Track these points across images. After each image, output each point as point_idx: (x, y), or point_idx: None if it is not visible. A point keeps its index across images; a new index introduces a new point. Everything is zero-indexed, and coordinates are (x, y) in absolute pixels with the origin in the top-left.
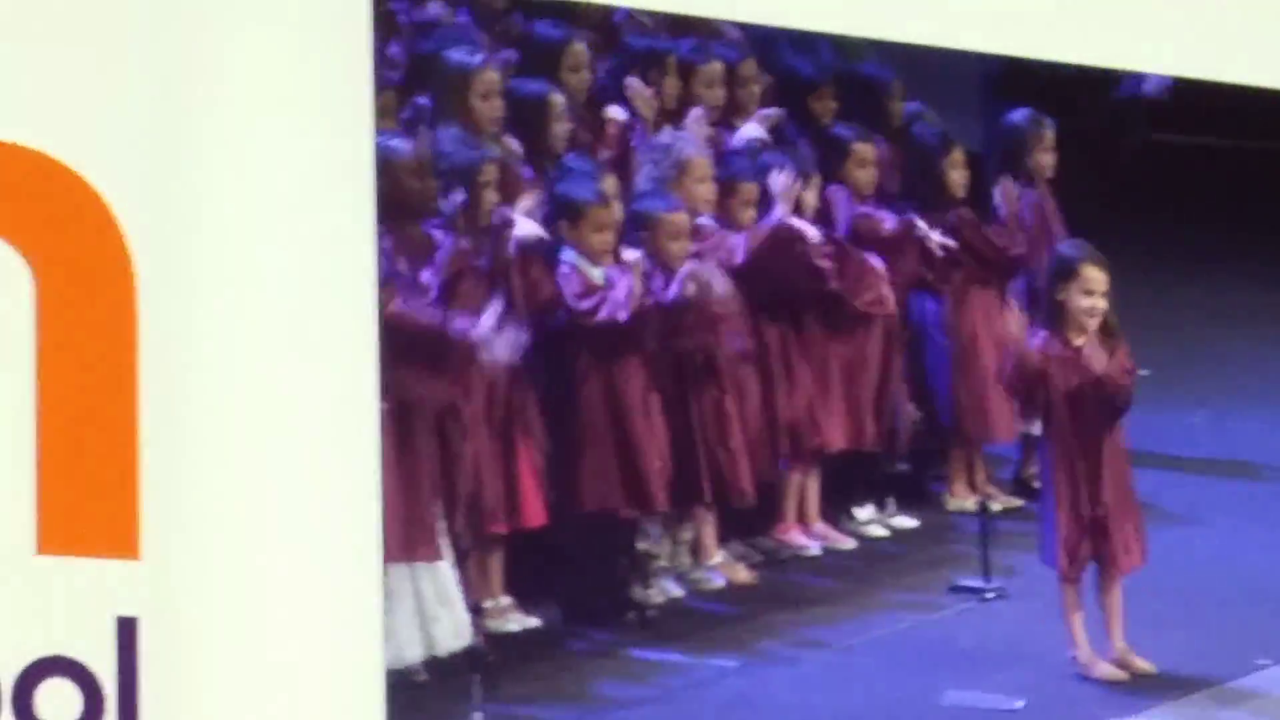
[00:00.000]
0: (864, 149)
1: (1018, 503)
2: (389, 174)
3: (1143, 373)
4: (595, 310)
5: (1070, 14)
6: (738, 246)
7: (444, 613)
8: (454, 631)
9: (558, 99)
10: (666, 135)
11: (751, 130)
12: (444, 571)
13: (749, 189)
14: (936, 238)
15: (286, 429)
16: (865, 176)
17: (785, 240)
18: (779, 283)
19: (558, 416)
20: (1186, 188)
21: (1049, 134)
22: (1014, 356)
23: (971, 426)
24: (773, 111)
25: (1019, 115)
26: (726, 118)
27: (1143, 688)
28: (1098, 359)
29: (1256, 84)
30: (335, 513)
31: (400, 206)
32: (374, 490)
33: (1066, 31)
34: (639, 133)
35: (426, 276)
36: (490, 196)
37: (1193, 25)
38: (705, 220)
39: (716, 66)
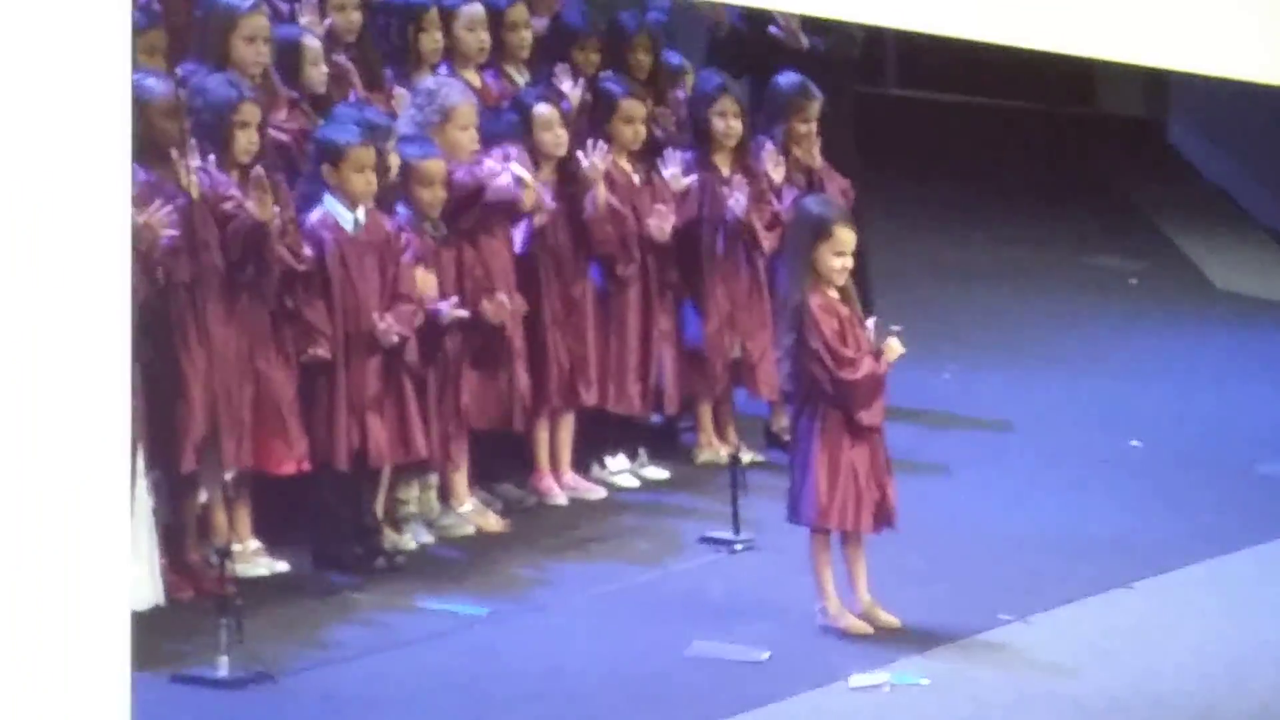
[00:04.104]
0: (631, 105)
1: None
2: (143, 114)
3: (894, 329)
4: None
5: None
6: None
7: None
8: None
9: (312, 43)
10: (432, 80)
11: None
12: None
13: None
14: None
15: (35, 364)
16: (631, 133)
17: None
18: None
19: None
20: (936, 144)
21: (814, 104)
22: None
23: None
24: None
25: (785, 80)
26: (496, 63)
27: (887, 641)
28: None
29: (1003, 42)
30: (82, 455)
31: (154, 146)
32: (122, 421)
33: None
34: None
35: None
36: (245, 137)
37: None
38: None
39: (477, 9)
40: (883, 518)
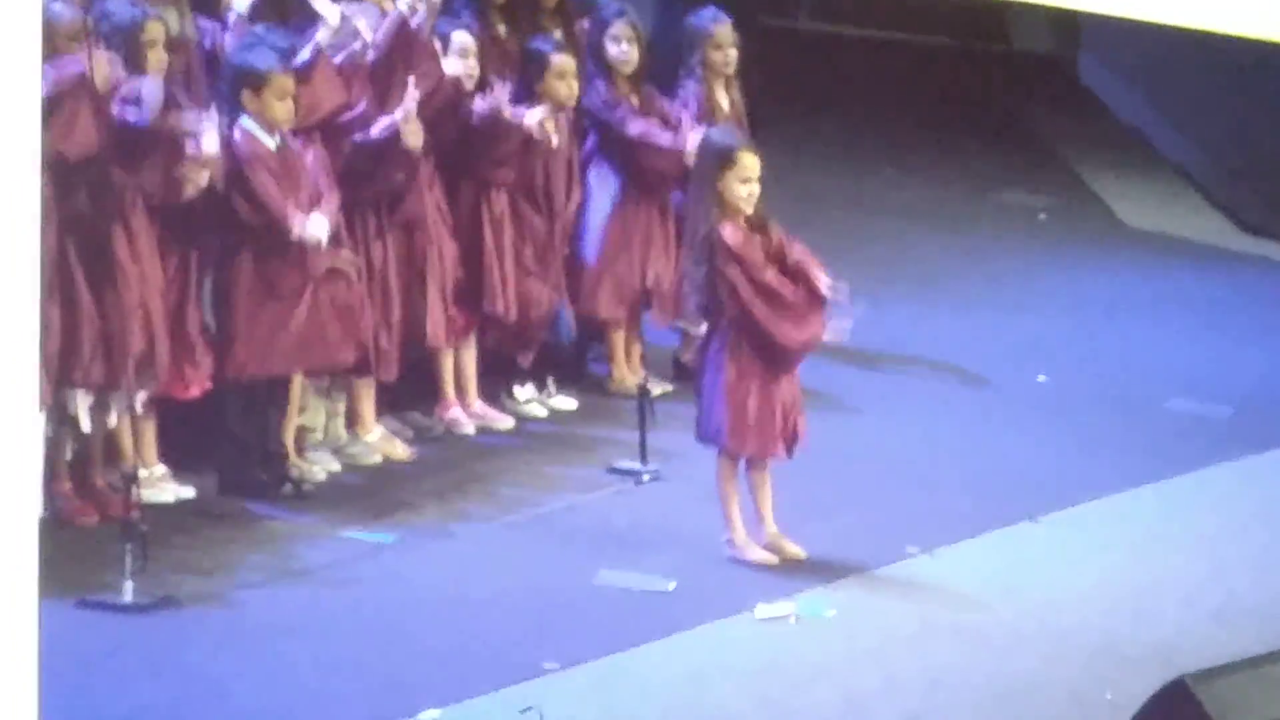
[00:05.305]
0: (563, 61)
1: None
2: (50, 39)
3: None
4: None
5: None
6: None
7: None
8: None
9: None
10: (343, 5)
11: None
12: None
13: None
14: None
15: None
16: (565, 89)
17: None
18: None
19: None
20: (842, 78)
21: (723, 30)
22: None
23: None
24: None
25: (697, 13)
26: None
27: (794, 572)
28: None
29: None
30: None
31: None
32: (32, 339)
33: None
34: None
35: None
36: (155, 56)
37: None
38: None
39: None
40: (791, 449)
